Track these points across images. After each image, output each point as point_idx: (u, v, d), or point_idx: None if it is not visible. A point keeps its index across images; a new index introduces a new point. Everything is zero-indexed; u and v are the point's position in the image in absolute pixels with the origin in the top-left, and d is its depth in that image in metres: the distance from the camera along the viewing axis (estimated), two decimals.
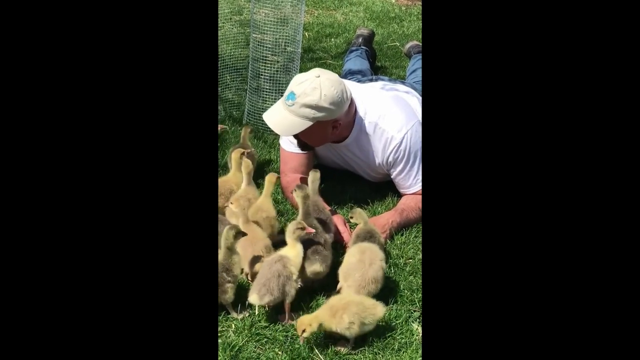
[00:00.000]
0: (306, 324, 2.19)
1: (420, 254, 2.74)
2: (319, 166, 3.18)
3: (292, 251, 2.37)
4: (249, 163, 2.79)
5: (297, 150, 2.98)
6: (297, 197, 2.53)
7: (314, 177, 2.65)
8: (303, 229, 2.37)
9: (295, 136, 2.85)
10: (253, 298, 2.28)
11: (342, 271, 2.43)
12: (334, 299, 2.27)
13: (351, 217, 2.66)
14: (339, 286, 2.41)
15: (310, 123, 2.67)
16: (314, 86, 2.65)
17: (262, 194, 2.73)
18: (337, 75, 2.83)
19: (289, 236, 2.39)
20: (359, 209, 2.68)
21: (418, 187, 2.93)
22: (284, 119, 2.71)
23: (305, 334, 2.19)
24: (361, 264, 2.40)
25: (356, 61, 4.10)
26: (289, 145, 3.00)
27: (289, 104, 2.67)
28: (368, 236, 2.58)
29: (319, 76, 2.70)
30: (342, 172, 3.22)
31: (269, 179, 2.74)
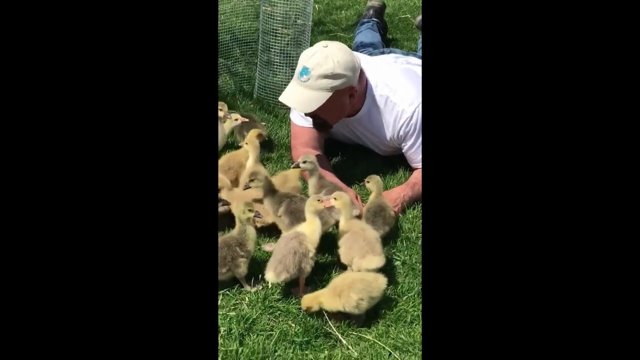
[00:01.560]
0: (308, 304, 2.22)
1: None
2: (330, 141, 3.17)
3: (310, 227, 2.37)
4: (257, 143, 2.82)
5: (308, 124, 2.96)
6: (304, 167, 2.55)
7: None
8: (321, 202, 2.37)
9: (313, 115, 2.80)
10: (270, 275, 2.29)
11: (343, 253, 2.40)
12: (336, 280, 2.27)
13: (367, 182, 2.65)
14: (354, 265, 2.38)
15: (330, 94, 2.65)
16: (325, 55, 2.63)
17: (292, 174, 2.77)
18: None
19: (308, 210, 2.38)
20: (377, 177, 2.67)
21: None
22: (301, 95, 2.68)
23: (309, 312, 2.23)
24: (355, 234, 2.39)
25: (367, 34, 4.06)
26: (299, 119, 2.99)
27: (304, 80, 2.65)
28: (379, 210, 2.58)
29: (326, 46, 2.69)
30: (354, 147, 3.20)
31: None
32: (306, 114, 2.83)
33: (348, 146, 3.21)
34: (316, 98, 2.66)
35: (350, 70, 2.67)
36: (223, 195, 2.63)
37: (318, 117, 2.81)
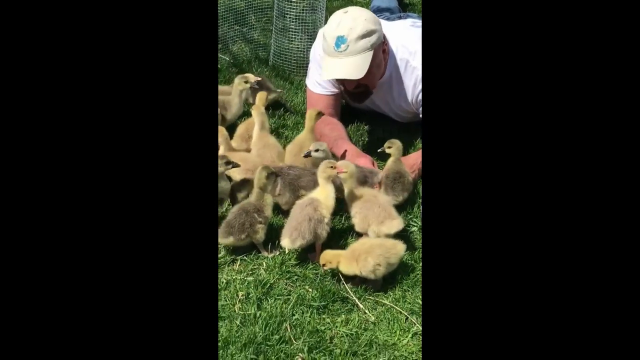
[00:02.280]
0: (327, 259, 2.23)
1: None
2: (346, 107, 3.14)
3: (323, 193, 2.37)
4: (262, 109, 2.86)
5: (325, 91, 2.95)
6: (316, 156, 2.54)
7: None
8: (334, 168, 2.36)
9: (357, 84, 2.75)
10: (285, 242, 2.30)
11: (358, 222, 2.40)
12: (355, 244, 2.29)
13: (389, 147, 2.63)
14: (372, 233, 2.38)
15: (372, 51, 2.63)
16: (352, 17, 2.62)
17: (305, 130, 2.77)
18: None
19: (320, 176, 2.38)
20: (398, 141, 2.64)
21: None
22: (347, 64, 2.63)
23: (325, 268, 2.24)
24: (368, 202, 2.38)
25: None
26: (317, 87, 2.96)
27: (343, 49, 2.61)
28: (398, 176, 2.57)
29: (346, 11, 2.67)
30: (370, 113, 3.17)
31: (310, 114, 2.76)
32: (347, 87, 2.79)
33: (365, 113, 3.18)
34: (362, 60, 2.62)
35: (377, 24, 2.69)
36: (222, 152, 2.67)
37: (360, 85, 2.75)
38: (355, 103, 2.97)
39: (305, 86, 3.11)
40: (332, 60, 2.65)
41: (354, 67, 2.61)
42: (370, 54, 2.62)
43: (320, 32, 2.91)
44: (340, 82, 2.78)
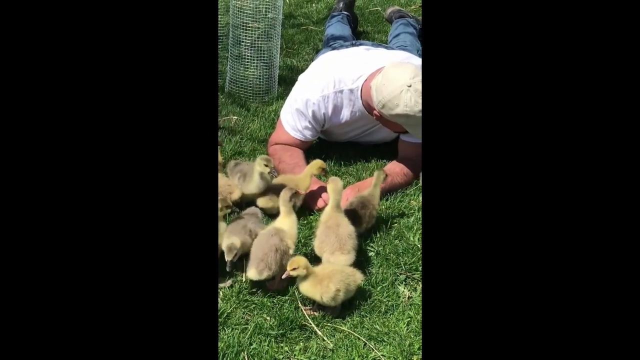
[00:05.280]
0: (296, 264, 2.19)
1: (405, 218, 2.74)
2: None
3: (287, 222, 2.35)
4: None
5: (300, 136, 2.96)
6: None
7: (334, 186, 2.46)
8: (296, 194, 2.35)
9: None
10: (251, 273, 2.26)
11: (317, 246, 2.41)
12: (317, 269, 2.26)
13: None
14: (324, 260, 2.38)
15: None
16: (412, 83, 2.63)
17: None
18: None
19: (283, 204, 2.35)
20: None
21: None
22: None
23: (293, 273, 2.19)
24: (329, 229, 2.38)
25: (337, 26, 4.03)
26: (295, 132, 2.96)
27: None
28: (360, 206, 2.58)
29: (410, 85, 2.62)
30: (340, 143, 3.19)
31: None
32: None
33: (322, 140, 3.19)
34: None
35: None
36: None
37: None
38: (361, 135, 3.08)
39: (278, 119, 3.08)
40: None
41: None
42: None
43: (303, 81, 2.97)
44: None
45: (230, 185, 2.65)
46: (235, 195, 2.61)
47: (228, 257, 2.26)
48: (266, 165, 2.51)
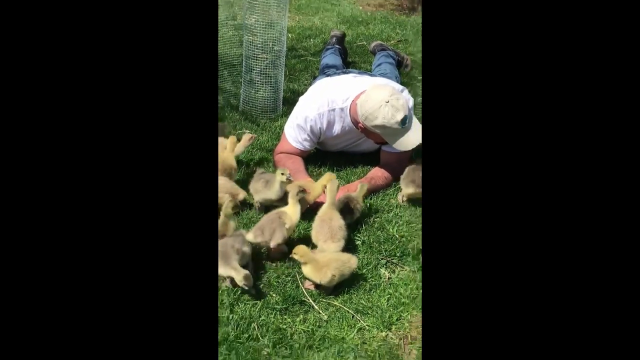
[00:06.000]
0: (300, 254, 2.23)
1: (385, 214, 2.76)
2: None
3: (291, 209, 2.41)
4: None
5: (301, 147, 2.97)
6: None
7: (331, 186, 2.51)
8: (303, 191, 2.42)
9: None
10: (249, 236, 2.33)
11: (313, 235, 2.44)
12: (318, 256, 2.28)
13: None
14: (318, 247, 2.41)
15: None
16: (402, 100, 2.67)
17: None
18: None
19: (291, 197, 2.41)
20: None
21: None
22: (416, 134, 2.71)
23: (294, 257, 2.24)
24: (323, 222, 2.42)
25: (331, 57, 4.06)
26: (297, 144, 2.97)
27: (408, 123, 2.69)
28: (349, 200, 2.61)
29: (388, 100, 2.64)
30: (335, 153, 3.22)
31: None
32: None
33: (318, 150, 3.22)
34: (419, 128, 2.72)
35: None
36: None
37: None
38: (350, 145, 3.07)
39: (282, 132, 3.10)
40: (403, 135, 2.68)
41: (419, 129, 2.71)
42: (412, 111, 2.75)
43: (302, 102, 2.98)
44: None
45: (236, 188, 2.65)
46: (241, 197, 2.61)
47: (248, 285, 2.16)
48: (282, 174, 2.51)
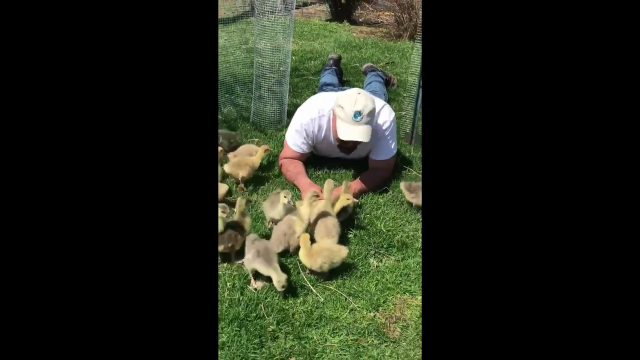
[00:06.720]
0: (301, 237, 2.22)
1: (374, 211, 2.72)
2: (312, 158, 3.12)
3: (304, 210, 2.36)
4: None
5: (300, 150, 2.91)
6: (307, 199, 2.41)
7: (328, 186, 2.51)
8: (317, 196, 2.38)
9: (354, 144, 2.73)
10: (273, 249, 2.25)
11: (311, 231, 2.39)
12: (314, 245, 2.25)
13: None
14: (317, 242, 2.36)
15: (372, 126, 2.65)
16: (364, 98, 2.60)
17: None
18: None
19: (306, 199, 2.39)
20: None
21: (384, 157, 2.89)
22: (361, 131, 2.60)
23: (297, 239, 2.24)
24: (320, 221, 2.38)
25: (329, 77, 4.02)
26: (296, 147, 2.91)
27: (359, 120, 2.59)
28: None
29: (359, 92, 2.62)
30: (319, 156, 3.17)
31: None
32: (348, 144, 2.75)
33: (314, 155, 3.18)
34: (370, 129, 2.64)
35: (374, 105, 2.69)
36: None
37: (356, 143, 2.73)
38: (343, 153, 2.95)
39: (284, 140, 3.04)
40: (349, 126, 2.61)
41: (366, 133, 2.61)
42: (371, 127, 2.65)
43: (299, 111, 2.91)
44: (342, 140, 2.70)
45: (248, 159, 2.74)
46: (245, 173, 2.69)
47: (284, 288, 2.08)
48: (285, 197, 2.40)
